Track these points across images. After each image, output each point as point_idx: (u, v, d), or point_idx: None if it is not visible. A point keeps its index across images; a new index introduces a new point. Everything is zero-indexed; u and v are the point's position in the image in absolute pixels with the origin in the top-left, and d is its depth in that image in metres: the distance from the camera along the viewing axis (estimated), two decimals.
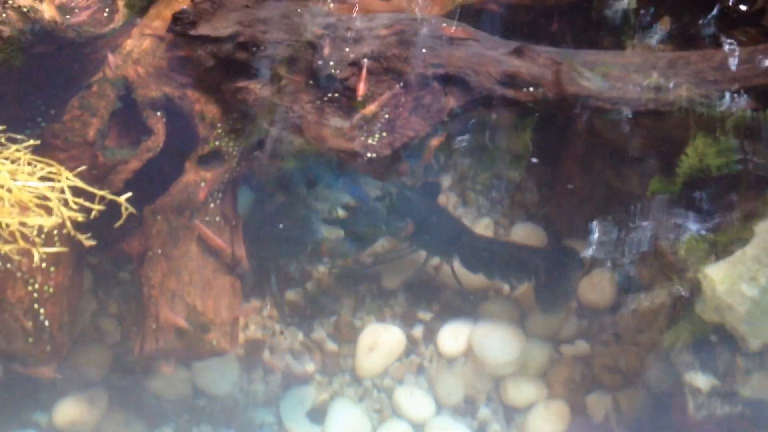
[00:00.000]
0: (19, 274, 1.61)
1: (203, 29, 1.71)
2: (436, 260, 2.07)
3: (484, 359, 1.95)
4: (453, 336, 1.99)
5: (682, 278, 1.78)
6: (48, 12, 1.69)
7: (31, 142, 1.49)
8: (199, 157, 1.73)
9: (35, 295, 1.63)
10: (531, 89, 1.67)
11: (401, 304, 2.05)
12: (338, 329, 2.00)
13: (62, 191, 1.44)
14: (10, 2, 1.66)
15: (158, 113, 1.73)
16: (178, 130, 1.75)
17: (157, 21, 1.79)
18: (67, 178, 1.45)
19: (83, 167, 1.58)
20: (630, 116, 1.71)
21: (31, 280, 1.62)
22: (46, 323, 1.64)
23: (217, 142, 1.73)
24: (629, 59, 1.78)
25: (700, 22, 2.01)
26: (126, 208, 1.51)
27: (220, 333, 1.65)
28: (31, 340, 1.62)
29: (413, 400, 1.94)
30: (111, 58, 1.74)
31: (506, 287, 2.05)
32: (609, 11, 2.07)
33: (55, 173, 1.46)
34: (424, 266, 2.05)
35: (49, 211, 1.44)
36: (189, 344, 1.64)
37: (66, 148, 1.71)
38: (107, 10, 1.79)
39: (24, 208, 1.41)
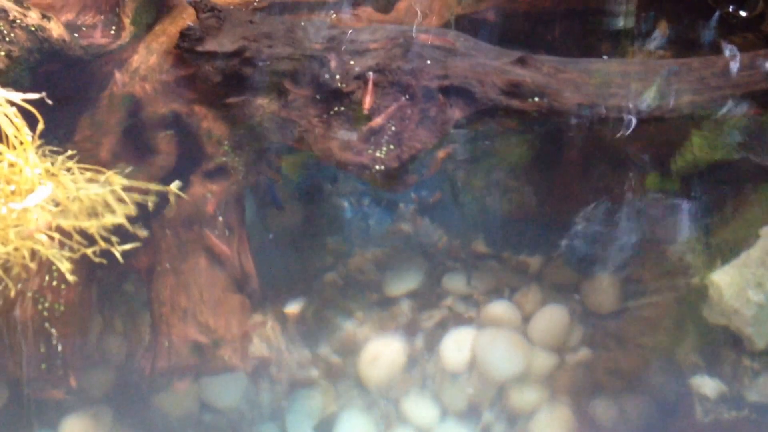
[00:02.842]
0: (29, 294, 1.62)
1: (210, 45, 1.73)
2: (438, 268, 2.08)
3: (488, 368, 1.95)
4: (456, 345, 2.00)
5: (687, 282, 1.80)
6: (56, 30, 1.70)
7: (70, 152, 1.54)
8: (205, 171, 1.74)
9: (46, 314, 1.63)
10: (536, 99, 1.69)
11: (404, 313, 2.06)
12: (342, 343, 2.00)
13: (115, 192, 1.52)
14: (18, 21, 1.67)
15: (168, 131, 1.75)
16: (185, 146, 1.76)
17: (163, 37, 1.81)
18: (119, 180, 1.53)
19: (130, 168, 1.65)
20: (633, 123, 1.73)
21: (42, 299, 1.62)
22: (59, 347, 1.64)
23: (223, 158, 1.74)
24: (631, 67, 1.80)
25: (699, 27, 2.03)
26: (171, 195, 1.61)
27: (231, 349, 1.66)
28: (44, 366, 1.63)
29: (419, 408, 1.94)
30: (118, 75, 1.75)
31: (508, 290, 2.07)
32: (607, 17, 2.09)
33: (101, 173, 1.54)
34: (428, 274, 2.07)
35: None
36: (201, 361, 1.65)
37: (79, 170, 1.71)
38: (114, 27, 1.80)
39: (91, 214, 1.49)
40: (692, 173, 1.86)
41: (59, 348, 1.63)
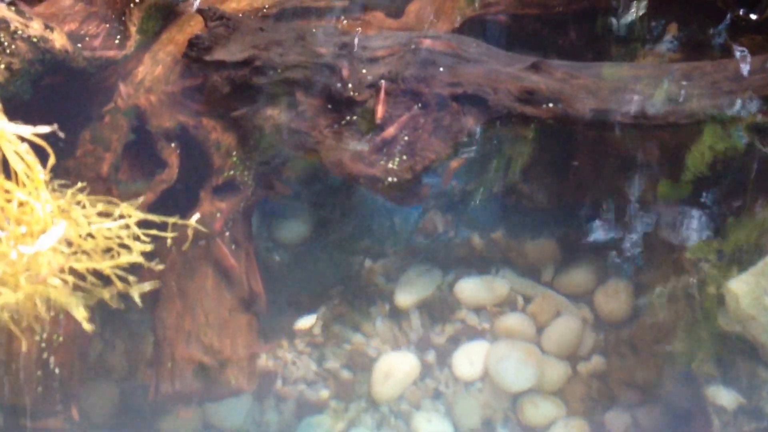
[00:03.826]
0: (24, 324, 1.55)
1: (219, 54, 1.69)
2: (450, 278, 2.05)
3: (502, 381, 1.92)
4: (468, 359, 1.97)
5: (702, 289, 1.78)
6: (59, 41, 1.65)
7: (80, 184, 1.43)
8: (213, 187, 1.70)
9: (43, 345, 1.57)
10: (550, 105, 1.67)
11: (415, 325, 2.02)
12: (352, 358, 1.97)
13: (128, 226, 1.41)
14: (20, 32, 1.62)
15: (172, 144, 1.70)
16: (191, 159, 1.72)
17: (170, 46, 1.77)
18: (130, 216, 1.41)
19: (142, 198, 1.56)
20: (646, 128, 1.71)
21: (39, 329, 1.53)
22: (57, 371, 1.58)
23: (231, 172, 1.70)
24: (644, 71, 1.78)
25: (709, 30, 2.01)
26: (192, 230, 1.50)
27: (238, 370, 1.62)
28: (40, 390, 1.56)
29: (431, 425, 1.90)
30: (122, 87, 1.71)
31: (521, 301, 2.04)
32: (617, 20, 2.07)
33: (115, 205, 1.43)
34: (440, 285, 2.04)
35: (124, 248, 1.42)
36: (207, 385, 1.61)
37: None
38: (119, 36, 1.76)
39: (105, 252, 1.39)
40: (704, 177, 1.85)
41: (57, 373, 1.58)
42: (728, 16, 1.97)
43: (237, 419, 1.87)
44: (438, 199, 2.03)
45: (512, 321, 2.01)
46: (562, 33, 2.05)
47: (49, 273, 1.26)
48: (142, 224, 1.43)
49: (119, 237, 1.37)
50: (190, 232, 1.48)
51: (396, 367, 1.93)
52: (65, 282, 1.30)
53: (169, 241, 1.44)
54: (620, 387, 1.89)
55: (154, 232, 1.43)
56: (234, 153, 1.70)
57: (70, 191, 1.38)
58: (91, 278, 1.36)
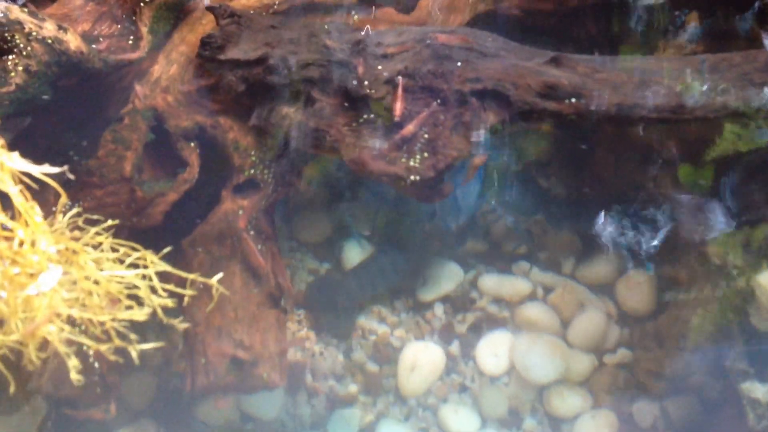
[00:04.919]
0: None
1: (232, 53, 1.66)
2: (471, 274, 2.04)
3: (527, 374, 1.93)
4: (493, 352, 1.96)
5: (729, 283, 1.75)
6: (73, 42, 1.63)
7: (110, 222, 1.33)
8: (234, 185, 1.69)
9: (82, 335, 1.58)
10: (573, 100, 1.63)
11: (438, 318, 2.02)
12: (377, 349, 1.97)
13: (149, 278, 1.28)
14: (35, 34, 1.61)
15: (191, 144, 1.69)
16: (211, 158, 1.70)
17: (183, 46, 1.75)
18: (153, 263, 1.29)
19: (168, 249, 1.39)
20: (674, 123, 1.67)
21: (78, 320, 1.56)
22: (96, 365, 1.59)
23: (252, 170, 1.69)
24: (670, 64, 1.73)
25: (734, 18, 1.96)
26: (217, 289, 1.38)
27: (270, 366, 1.62)
28: (81, 383, 1.58)
29: (458, 416, 1.91)
30: (139, 88, 1.69)
31: (541, 292, 2.02)
32: (635, 11, 2.02)
33: (140, 257, 1.30)
34: (462, 279, 2.02)
35: (136, 299, 1.31)
36: (240, 378, 1.61)
37: (102, 185, 1.66)
38: (131, 37, 1.74)
39: (113, 301, 1.29)
40: (729, 168, 1.81)
41: (96, 366, 1.59)
42: (756, 3, 1.91)
43: (272, 411, 1.90)
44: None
45: (533, 311, 2.00)
46: (578, 26, 2.01)
47: (43, 319, 1.18)
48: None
49: (135, 287, 1.27)
50: (214, 293, 1.38)
51: (421, 360, 1.94)
52: (62, 329, 1.22)
53: (186, 299, 1.33)
54: (648, 378, 1.87)
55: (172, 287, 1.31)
56: (253, 152, 1.68)
57: (91, 231, 1.29)
58: (92, 328, 1.29)
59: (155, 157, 1.71)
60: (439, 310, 2.02)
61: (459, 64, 1.67)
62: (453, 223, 2.06)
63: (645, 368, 1.90)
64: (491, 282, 2.03)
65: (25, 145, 1.50)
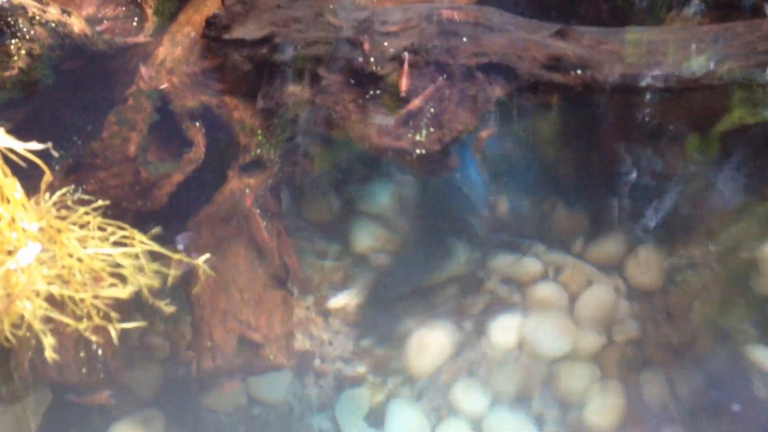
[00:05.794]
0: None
1: (237, 33, 1.66)
2: (480, 254, 2.03)
3: (537, 352, 1.92)
4: (503, 331, 1.96)
5: (735, 254, 1.75)
6: (77, 25, 1.63)
7: (100, 202, 1.33)
8: (241, 165, 1.68)
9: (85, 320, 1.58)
10: (578, 72, 1.63)
11: (448, 299, 2.01)
12: (387, 331, 1.97)
13: (137, 257, 1.29)
14: (38, 18, 1.61)
15: (197, 123, 1.69)
16: (217, 138, 1.70)
17: (188, 27, 1.74)
18: (141, 242, 1.29)
19: (157, 229, 1.38)
20: (678, 91, 1.67)
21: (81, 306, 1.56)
22: (99, 351, 1.59)
23: (258, 150, 1.68)
24: (674, 35, 1.73)
25: None
26: (204, 271, 1.39)
27: (276, 348, 1.61)
28: (84, 370, 1.58)
29: (468, 395, 1.91)
30: (144, 70, 1.69)
31: (552, 272, 2.02)
32: None
33: (127, 237, 1.29)
34: (470, 259, 2.02)
35: (122, 279, 1.31)
36: (247, 360, 1.61)
37: (106, 167, 1.66)
38: (136, 18, 1.74)
39: (97, 279, 1.28)
40: (735, 139, 1.81)
41: (99, 353, 1.59)
42: None
43: (279, 393, 1.90)
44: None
45: (544, 291, 1.99)
46: (586, 1, 2.00)
47: (18, 295, 1.17)
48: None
49: (119, 266, 1.26)
50: (201, 275, 1.38)
51: (431, 340, 1.93)
52: (39, 307, 1.21)
53: (170, 280, 1.33)
54: (656, 351, 1.87)
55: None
56: (259, 131, 1.68)
57: (80, 211, 1.28)
58: (72, 306, 1.27)
59: (160, 139, 1.70)
60: (449, 290, 2.02)
61: (465, 39, 1.66)
62: (463, 203, 2.06)
63: (654, 343, 1.90)
64: (501, 262, 2.02)
65: (28, 128, 1.51)
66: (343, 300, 1.98)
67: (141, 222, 1.44)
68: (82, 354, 1.58)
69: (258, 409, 1.91)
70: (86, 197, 1.34)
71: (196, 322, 1.64)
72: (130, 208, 1.65)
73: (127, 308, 1.71)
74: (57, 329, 1.50)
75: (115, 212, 1.60)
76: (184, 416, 1.86)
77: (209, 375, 1.63)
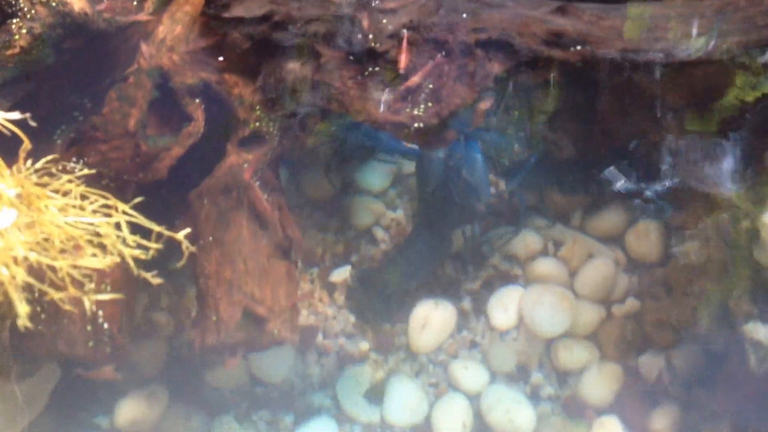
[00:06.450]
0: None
1: (237, 11, 1.66)
2: (479, 229, 2.04)
3: (536, 328, 1.94)
4: (503, 307, 1.97)
5: (736, 225, 1.74)
6: (77, 4, 1.64)
7: (85, 171, 1.34)
8: (240, 139, 1.69)
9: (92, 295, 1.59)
10: (578, 47, 1.63)
11: (449, 275, 2.02)
12: (389, 307, 1.98)
13: (118, 227, 1.26)
14: None
15: (197, 99, 1.70)
16: (216, 113, 1.71)
17: (187, 6, 1.75)
18: (124, 212, 1.26)
19: (139, 199, 1.35)
20: (678, 66, 1.66)
21: (87, 280, 1.57)
22: (105, 326, 1.61)
23: (257, 124, 1.70)
24: (675, 9, 1.72)
25: None
26: (186, 247, 1.35)
27: (281, 322, 1.62)
28: (91, 344, 1.60)
29: (468, 372, 1.93)
30: (144, 47, 1.70)
31: (552, 246, 2.02)
32: None
33: (111, 206, 1.28)
34: (469, 234, 2.03)
35: (104, 249, 1.29)
36: (250, 335, 1.61)
37: (107, 140, 1.68)
38: None
39: (77, 248, 1.26)
40: (736, 113, 1.80)
41: (105, 327, 1.61)
42: None
43: (281, 372, 1.92)
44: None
45: (544, 266, 2.01)
46: None
47: None
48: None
49: (99, 235, 1.24)
50: (184, 249, 1.35)
51: (433, 317, 1.95)
52: (15, 274, 1.18)
53: (151, 253, 1.30)
54: (655, 329, 1.88)
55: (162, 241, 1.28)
56: (258, 106, 1.69)
57: (62, 179, 1.27)
58: (50, 275, 1.24)
59: (160, 116, 1.71)
60: (449, 267, 2.03)
61: (465, 15, 1.66)
62: (464, 180, 2.06)
63: (652, 318, 1.90)
64: (501, 239, 2.03)
65: (29, 106, 1.51)
66: (346, 273, 2.00)
67: (144, 194, 1.44)
68: (89, 327, 1.60)
69: (260, 389, 1.93)
70: (79, 167, 1.35)
71: (201, 294, 1.65)
72: (131, 180, 1.67)
73: (135, 283, 1.73)
74: (63, 301, 1.51)
75: (118, 184, 1.65)
76: (188, 393, 1.88)
77: (212, 350, 1.64)
